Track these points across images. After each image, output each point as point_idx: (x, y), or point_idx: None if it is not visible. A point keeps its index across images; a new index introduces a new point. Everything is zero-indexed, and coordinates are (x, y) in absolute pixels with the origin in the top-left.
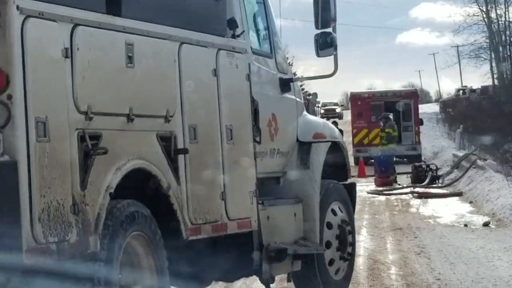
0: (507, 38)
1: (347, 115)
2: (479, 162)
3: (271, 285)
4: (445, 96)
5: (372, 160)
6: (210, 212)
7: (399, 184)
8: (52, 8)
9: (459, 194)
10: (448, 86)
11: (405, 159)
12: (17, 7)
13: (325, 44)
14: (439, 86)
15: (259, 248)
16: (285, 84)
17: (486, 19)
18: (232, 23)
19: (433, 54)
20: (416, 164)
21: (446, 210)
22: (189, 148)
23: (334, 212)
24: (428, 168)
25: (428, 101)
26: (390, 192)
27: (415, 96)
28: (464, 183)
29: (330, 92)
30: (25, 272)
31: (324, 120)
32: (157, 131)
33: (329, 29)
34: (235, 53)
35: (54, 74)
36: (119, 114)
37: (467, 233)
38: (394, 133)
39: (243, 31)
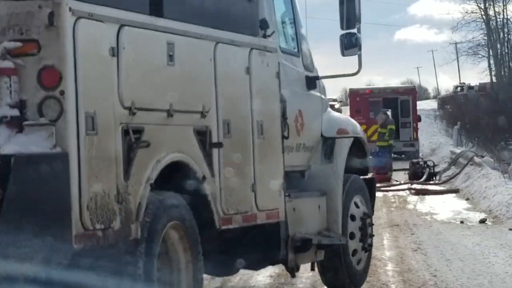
0: (505, 35)
1: (346, 111)
2: (476, 159)
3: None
4: (443, 93)
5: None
6: (241, 203)
7: (396, 181)
8: (100, 10)
9: (456, 191)
10: (446, 83)
11: (403, 156)
12: (70, 9)
13: (350, 44)
14: (437, 83)
15: (285, 238)
16: (311, 82)
17: (484, 16)
18: (263, 23)
19: (432, 51)
20: (414, 160)
21: (443, 206)
22: (222, 142)
23: (356, 205)
24: (425, 165)
25: (427, 97)
26: (388, 188)
27: (413, 92)
28: (461, 180)
29: (330, 88)
30: (74, 256)
31: (347, 116)
32: (194, 126)
33: (354, 30)
34: (266, 52)
35: (101, 72)
36: (160, 110)
37: (463, 229)
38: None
39: (273, 31)
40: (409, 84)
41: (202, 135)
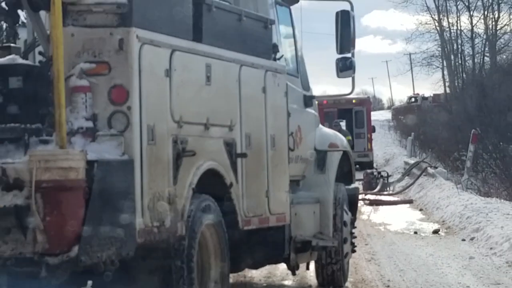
0: (459, 46)
1: None
2: (430, 170)
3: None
4: (397, 103)
5: None
6: (258, 207)
7: None
8: (158, 36)
9: (409, 202)
10: (401, 93)
11: (357, 166)
12: (137, 36)
13: (344, 67)
14: (391, 93)
15: (288, 239)
16: (308, 100)
17: (438, 28)
18: (274, 48)
19: (386, 61)
20: (368, 171)
21: (396, 217)
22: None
23: (346, 212)
24: (379, 175)
25: (381, 108)
26: None
27: (367, 103)
28: (415, 191)
29: None
30: (137, 249)
31: (335, 131)
32: (224, 138)
33: (349, 55)
34: (277, 73)
35: (158, 90)
36: (200, 123)
37: (417, 240)
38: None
39: (282, 55)
40: (363, 95)
41: (230, 146)
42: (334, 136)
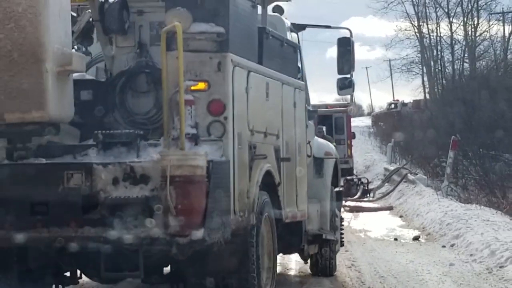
0: (439, 53)
1: None
2: (410, 176)
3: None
4: (377, 109)
5: None
6: (291, 204)
7: None
8: (241, 60)
9: (389, 208)
10: (381, 100)
11: (338, 176)
12: (231, 60)
13: (344, 86)
14: (371, 100)
15: (304, 233)
16: (310, 114)
17: (418, 34)
18: (298, 68)
19: (366, 68)
20: (348, 177)
21: (377, 224)
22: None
23: (339, 210)
24: (359, 182)
25: (361, 114)
26: None
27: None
28: (395, 197)
29: None
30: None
31: (327, 141)
32: (273, 145)
33: (348, 75)
34: (300, 90)
35: (242, 104)
36: (262, 132)
37: (397, 247)
38: None
39: (302, 74)
40: (343, 101)
41: (277, 152)
42: (327, 145)
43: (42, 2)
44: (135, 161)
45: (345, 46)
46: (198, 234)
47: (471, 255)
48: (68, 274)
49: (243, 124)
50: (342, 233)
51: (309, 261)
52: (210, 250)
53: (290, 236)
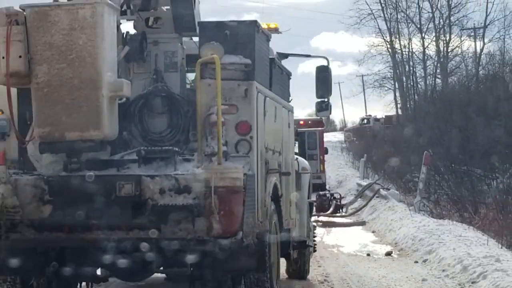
0: (411, 68)
1: None
2: (382, 192)
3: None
4: (349, 125)
5: None
6: (287, 213)
7: None
8: (262, 87)
9: (362, 223)
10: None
11: (310, 189)
12: (256, 87)
13: (321, 108)
14: (344, 115)
15: (291, 239)
16: (296, 133)
17: (390, 50)
18: (289, 93)
19: (338, 83)
20: (321, 192)
21: (349, 239)
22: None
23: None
24: (332, 197)
25: (333, 129)
26: None
27: (320, 124)
28: (368, 212)
29: None
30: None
31: (300, 157)
32: (277, 161)
33: (326, 99)
34: (291, 112)
35: (261, 125)
36: (271, 150)
37: (370, 262)
38: None
39: (291, 98)
40: (315, 117)
41: (279, 167)
42: (303, 161)
43: (99, 37)
44: (179, 173)
45: (323, 73)
46: (238, 236)
47: (443, 270)
48: (99, 273)
49: (262, 142)
50: (314, 240)
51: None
52: (233, 251)
53: (282, 242)
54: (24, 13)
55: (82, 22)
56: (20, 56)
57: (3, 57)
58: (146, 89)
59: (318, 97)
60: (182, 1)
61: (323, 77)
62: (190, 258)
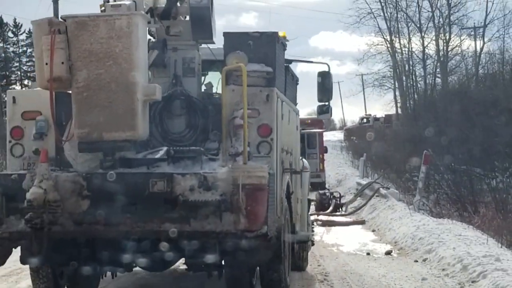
0: (410, 67)
1: None
2: (382, 191)
3: None
4: (349, 124)
5: None
6: (295, 209)
7: None
8: (279, 93)
9: (362, 222)
10: (353, 114)
11: (309, 187)
12: (276, 93)
13: (322, 111)
14: (343, 114)
15: (296, 233)
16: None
17: (390, 49)
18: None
19: (338, 82)
20: (320, 191)
21: (349, 238)
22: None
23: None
24: (332, 196)
25: (333, 128)
26: None
27: (319, 123)
28: (367, 211)
29: None
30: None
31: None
32: (289, 160)
33: (326, 103)
34: (298, 115)
35: (279, 128)
36: (285, 150)
37: (369, 261)
38: None
39: (297, 102)
40: (315, 115)
41: (291, 166)
42: (304, 160)
43: (134, 45)
44: (207, 172)
45: (324, 78)
46: (263, 230)
47: (443, 269)
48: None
49: (280, 143)
50: (312, 234)
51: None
52: (253, 244)
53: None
54: (66, 23)
55: (119, 31)
56: (62, 63)
57: (46, 63)
58: (166, 93)
59: (319, 100)
60: (200, 12)
61: (324, 82)
62: (217, 250)
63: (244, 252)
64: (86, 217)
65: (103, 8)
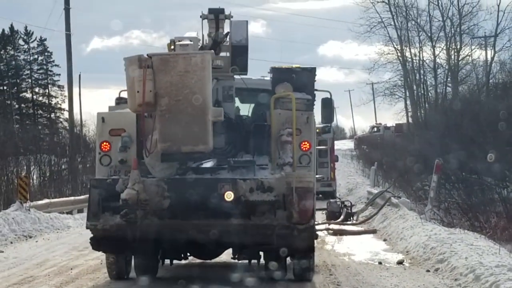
0: (421, 77)
1: None
2: (393, 200)
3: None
4: (359, 133)
5: None
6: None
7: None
8: (314, 115)
9: (373, 232)
10: (363, 123)
11: (320, 196)
12: (312, 116)
13: (325, 131)
14: (353, 123)
15: None
16: None
17: (400, 58)
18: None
19: (349, 91)
20: (331, 200)
21: (361, 247)
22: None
23: None
24: (343, 205)
25: (343, 137)
26: None
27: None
28: (379, 221)
29: None
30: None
31: None
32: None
33: (328, 124)
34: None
35: (315, 143)
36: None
37: (381, 271)
38: None
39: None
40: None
41: (316, 173)
42: None
43: (206, 77)
44: (263, 178)
45: (326, 104)
46: (311, 223)
47: (455, 279)
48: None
49: (315, 156)
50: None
51: None
52: (303, 235)
53: None
54: (152, 59)
55: (194, 66)
56: (150, 91)
57: (137, 91)
58: None
59: (322, 122)
60: (239, 52)
61: (326, 107)
62: (274, 240)
63: (293, 240)
64: (167, 213)
65: (172, 46)
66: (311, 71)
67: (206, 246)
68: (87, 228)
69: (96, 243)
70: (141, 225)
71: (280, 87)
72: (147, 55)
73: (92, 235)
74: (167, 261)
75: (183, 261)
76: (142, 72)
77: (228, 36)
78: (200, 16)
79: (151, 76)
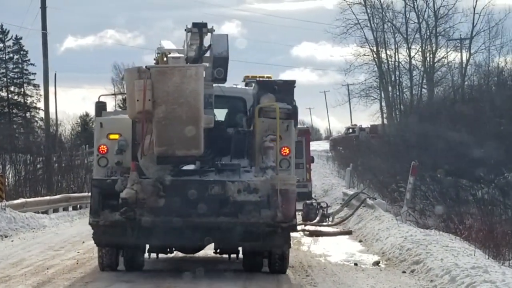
0: (397, 78)
1: None
2: (369, 201)
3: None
4: (334, 134)
5: None
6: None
7: None
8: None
9: (349, 233)
10: (338, 124)
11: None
12: (294, 124)
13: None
14: (329, 124)
15: None
16: None
17: (376, 59)
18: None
19: (324, 92)
20: (307, 201)
21: (336, 248)
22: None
23: None
24: (318, 206)
25: (318, 138)
26: None
27: (306, 133)
28: (354, 222)
29: None
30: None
31: None
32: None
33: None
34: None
35: (294, 149)
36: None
37: (357, 272)
38: None
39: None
40: (301, 125)
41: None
42: None
43: (200, 88)
44: (250, 180)
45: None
46: (293, 222)
47: (431, 281)
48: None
49: (293, 160)
50: None
51: None
52: (285, 232)
53: None
54: (150, 71)
55: (189, 78)
56: (149, 100)
57: (137, 100)
58: None
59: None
60: (220, 63)
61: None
62: (260, 237)
63: (275, 237)
64: (162, 211)
65: (165, 58)
66: (291, 84)
67: (191, 241)
68: (89, 224)
69: (98, 239)
70: (139, 222)
71: (265, 98)
72: (146, 67)
73: (93, 231)
74: (153, 255)
75: (169, 255)
76: (141, 83)
77: (209, 49)
78: (185, 30)
79: (150, 86)
